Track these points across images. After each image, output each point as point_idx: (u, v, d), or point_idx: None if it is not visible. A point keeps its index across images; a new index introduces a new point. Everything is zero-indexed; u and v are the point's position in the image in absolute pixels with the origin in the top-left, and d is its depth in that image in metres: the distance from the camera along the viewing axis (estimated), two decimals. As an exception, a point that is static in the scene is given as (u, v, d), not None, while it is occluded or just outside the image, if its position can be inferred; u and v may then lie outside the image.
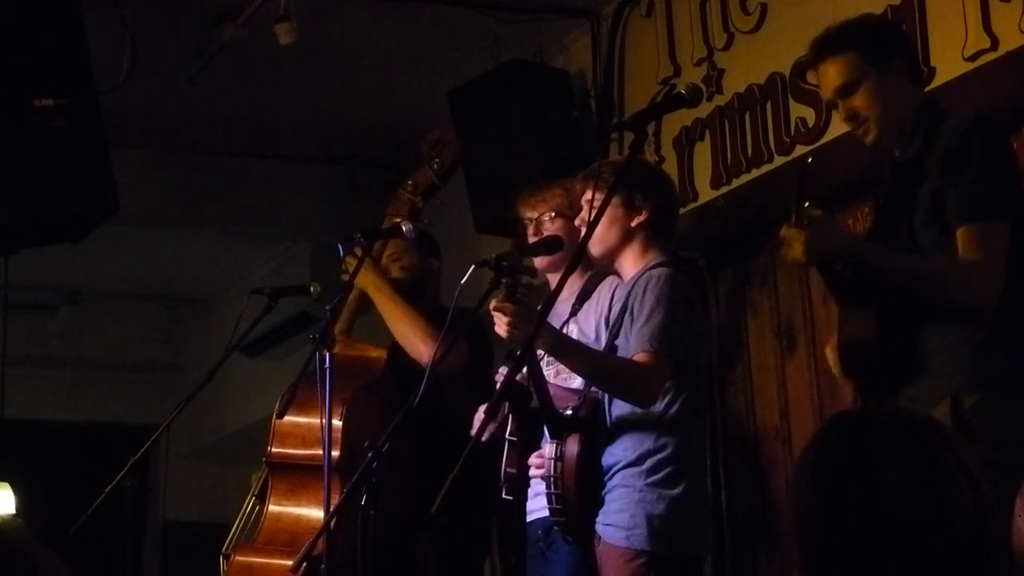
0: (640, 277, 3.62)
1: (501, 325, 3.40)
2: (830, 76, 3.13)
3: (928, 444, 1.61)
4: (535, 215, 4.02)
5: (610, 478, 3.55)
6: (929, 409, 2.85)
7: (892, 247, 3.07)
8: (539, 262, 3.99)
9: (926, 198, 3.00)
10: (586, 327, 3.84)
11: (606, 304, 3.81)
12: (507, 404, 3.48)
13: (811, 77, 4.41)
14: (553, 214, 3.99)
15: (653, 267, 3.63)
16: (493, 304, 3.41)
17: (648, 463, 3.51)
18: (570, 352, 3.54)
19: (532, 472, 3.62)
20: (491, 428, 3.45)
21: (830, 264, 3.13)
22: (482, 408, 3.66)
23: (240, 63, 5.62)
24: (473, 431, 3.45)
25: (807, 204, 2.99)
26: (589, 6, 5.47)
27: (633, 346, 3.53)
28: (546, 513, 3.62)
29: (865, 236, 3.37)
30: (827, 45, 3.14)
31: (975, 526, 1.57)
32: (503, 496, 3.52)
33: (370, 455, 3.16)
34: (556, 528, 3.61)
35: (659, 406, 3.53)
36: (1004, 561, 1.67)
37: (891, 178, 3.18)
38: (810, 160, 3.12)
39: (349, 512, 3.35)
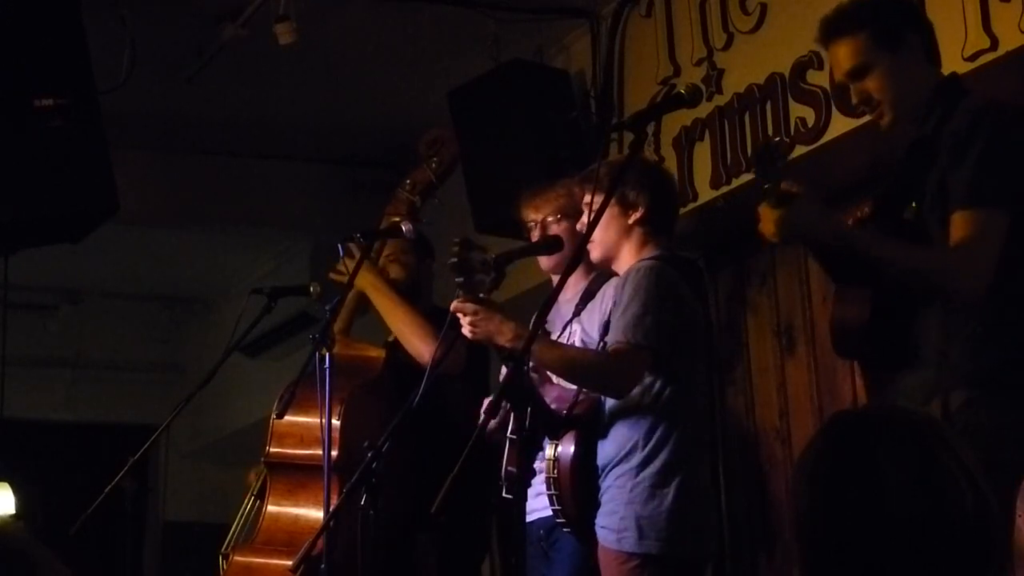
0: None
1: (464, 324, 3.42)
2: (840, 58, 3.00)
3: (927, 444, 1.61)
4: (539, 217, 4.01)
5: (604, 478, 3.54)
6: (922, 404, 2.79)
7: (881, 232, 2.95)
8: (543, 263, 3.99)
9: (933, 182, 2.87)
10: (589, 327, 3.83)
11: (608, 304, 3.80)
12: (507, 403, 3.48)
13: (811, 77, 4.43)
14: (559, 215, 3.96)
15: (640, 262, 3.61)
16: (454, 305, 3.43)
17: (638, 458, 3.48)
18: (538, 347, 3.51)
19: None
20: (491, 426, 3.45)
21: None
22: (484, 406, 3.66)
23: (240, 63, 5.62)
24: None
25: (768, 185, 2.88)
26: (589, 6, 5.47)
27: (610, 338, 3.52)
28: (548, 513, 3.62)
29: (870, 212, 3.19)
30: (836, 26, 3.00)
31: (974, 526, 1.57)
32: (503, 495, 3.51)
33: (370, 455, 3.16)
34: (562, 528, 3.61)
35: (646, 398, 3.51)
36: (1004, 561, 1.66)
37: (904, 155, 3.03)
38: (777, 139, 3.03)
39: (349, 512, 3.35)
